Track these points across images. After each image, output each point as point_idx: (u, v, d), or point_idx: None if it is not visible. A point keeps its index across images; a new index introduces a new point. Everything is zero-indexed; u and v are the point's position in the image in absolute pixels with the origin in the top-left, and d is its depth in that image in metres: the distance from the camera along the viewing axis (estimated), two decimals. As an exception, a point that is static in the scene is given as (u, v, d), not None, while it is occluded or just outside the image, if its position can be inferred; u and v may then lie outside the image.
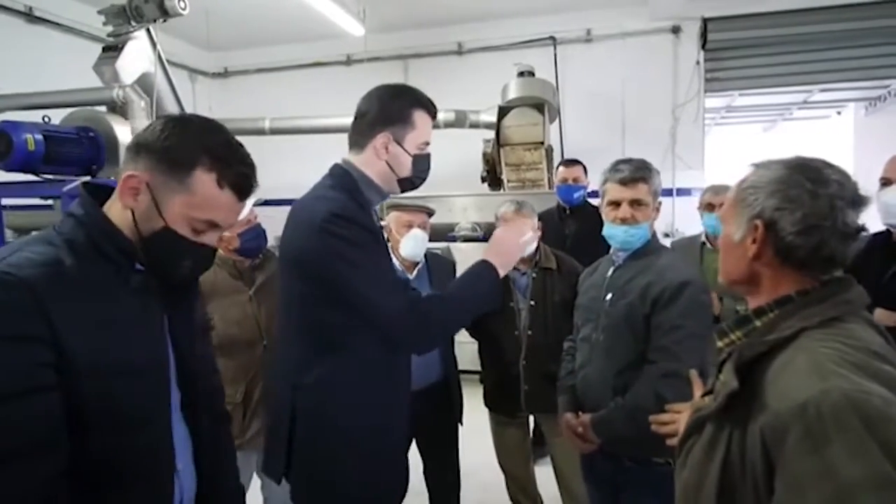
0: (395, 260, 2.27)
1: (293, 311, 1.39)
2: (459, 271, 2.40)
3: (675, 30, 5.93)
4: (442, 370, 2.23)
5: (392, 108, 1.38)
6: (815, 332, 0.83)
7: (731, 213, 0.97)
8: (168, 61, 6.57)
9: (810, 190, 0.87)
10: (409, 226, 2.22)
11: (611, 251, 1.84)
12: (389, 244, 2.30)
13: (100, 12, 3.75)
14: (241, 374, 1.98)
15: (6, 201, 3.49)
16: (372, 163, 1.40)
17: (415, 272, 2.28)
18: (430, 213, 2.31)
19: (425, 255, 2.33)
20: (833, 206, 0.86)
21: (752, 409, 0.82)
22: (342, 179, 1.39)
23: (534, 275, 2.33)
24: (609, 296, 1.73)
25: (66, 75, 3.74)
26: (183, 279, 1.06)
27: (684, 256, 1.83)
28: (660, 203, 1.76)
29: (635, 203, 1.68)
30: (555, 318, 2.29)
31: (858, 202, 0.88)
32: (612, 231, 1.74)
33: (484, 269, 1.41)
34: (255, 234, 2.01)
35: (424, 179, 1.48)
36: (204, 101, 7.13)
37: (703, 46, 5.86)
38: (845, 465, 0.69)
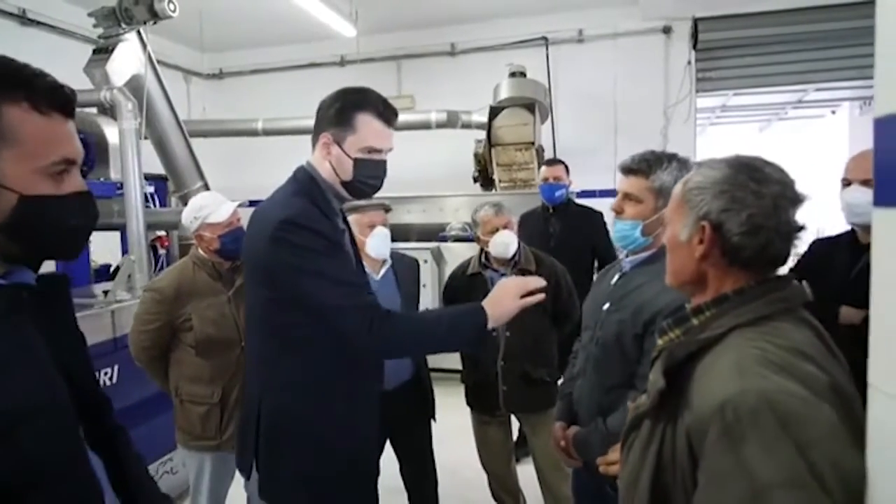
0: (364, 263, 2.29)
1: (257, 313, 1.41)
2: (450, 271, 2.49)
3: (667, 30, 5.94)
4: (413, 368, 2.26)
5: (335, 110, 1.37)
6: (746, 331, 0.84)
7: (677, 213, 0.97)
8: (162, 63, 6.60)
9: (755, 190, 0.87)
10: (372, 226, 2.23)
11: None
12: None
13: (90, 14, 3.77)
14: (219, 374, 2.00)
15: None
16: (319, 162, 1.40)
17: (381, 272, 2.29)
18: (388, 209, 2.34)
19: (391, 255, 2.36)
20: (777, 206, 0.87)
21: (680, 407, 0.83)
22: (304, 183, 1.40)
23: (512, 275, 2.35)
24: (607, 305, 1.60)
25: (60, 77, 3.73)
26: (74, 246, 0.86)
27: None
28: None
29: (626, 196, 1.54)
30: (533, 319, 2.29)
31: (798, 200, 0.90)
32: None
33: (473, 312, 1.35)
34: (235, 236, 2.03)
35: (376, 186, 1.44)
36: (198, 102, 7.16)
37: (695, 46, 5.87)
38: (760, 464, 0.69)
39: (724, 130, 10.11)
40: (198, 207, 2.05)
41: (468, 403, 2.50)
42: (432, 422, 2.38)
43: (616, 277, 1.64)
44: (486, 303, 1.36)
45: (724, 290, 0.91)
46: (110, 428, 1.01)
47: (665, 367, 0.87)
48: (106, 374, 2.49)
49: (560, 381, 2.20)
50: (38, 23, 5.26)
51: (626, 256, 1.61)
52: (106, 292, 2.71)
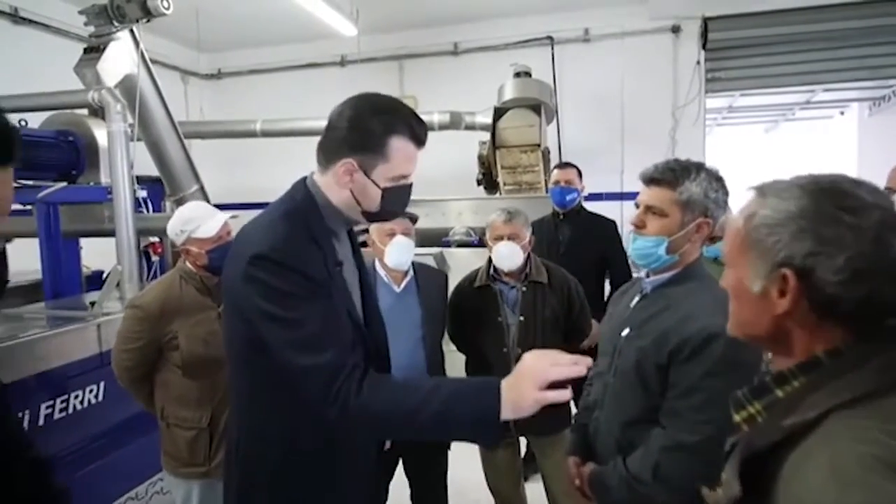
0: (381, 272, 2.15)
1: (235, 347, 1.23)
2: (453, 278, 2.31)
3: (675, 29, 5.81)
4: None
5: (362, 132, 1.13)
6: (848, 415, 0.64)
7: (741, 257, 0.76)
8: (159, 63, 6.48)
9: (851, 224, 0.67)
10: (392, 234, 2.09)
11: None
12: (375, 259, 2.18)
13: (81, 12, 3.64)
14: (207, 396, 1.87)
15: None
16: (333, 189, 1.18)
17: (402, 284, 2.16)
18: (414, 220, 2.19)
19: (414, 267, 2.21)
20: (880, 240, 0.67)
21: None
22: (301, 203, 1.19)
23: (523, 289, 2.21)
24: (626, 331, 1.43)
25: (54, 77, 3.62)
26: None
27: (722, 295, 1.39)
28: (704, 222, 1.36)
29: (649, 209, 1.38)
30: (545, 334, 2.17)
31: None
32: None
33: (484, 390, 1.04)
34: (225, 251, 1.88)
35: (400, 213, 1.27)
36: (196, 102, 7.03)
37: (704, 46, 5.74)
38: None
39: (730, 131, 9.96)
40: (185, 220, 1.92)
41: None
42: (448, 446, 2.23)
43: (636, 299, 1.47)
44: (507, 385, 1.04)
45: (814, 352, 0.72)
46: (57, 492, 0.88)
47: (742, 462, 0.70)
48: (91, 391, 2.36)
49: (572, 399, 2.07)
50: (31, 21, 5.14)
51: (648, 276, 1.45)
52: (93, 303, 2.57)
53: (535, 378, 1.03)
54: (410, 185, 1.23)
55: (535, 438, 2.33)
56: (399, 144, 1.15)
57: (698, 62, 5.76)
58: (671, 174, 1.36)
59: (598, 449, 1.50)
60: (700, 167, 1.37)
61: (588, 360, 1.06)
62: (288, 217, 1.17)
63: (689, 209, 1.34)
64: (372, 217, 1.22)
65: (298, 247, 1.12)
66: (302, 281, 1.08)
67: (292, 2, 4.82)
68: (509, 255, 2.17)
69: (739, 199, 0.87)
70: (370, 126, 1.13)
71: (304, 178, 1.23)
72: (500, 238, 2.19)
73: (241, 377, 1.24)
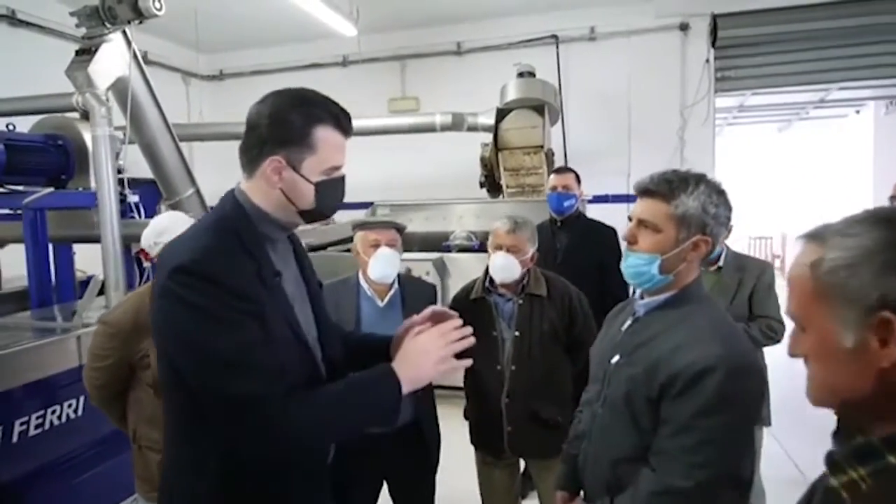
0: (363, 285, 2.05)
1: (162, 364, 1.12)
2: (453, 284, 2.19)
3: (683, 27, 5.67)
4: (412, 409, 1.99)
5: (285, 126, 1.07)
6: None
7: (817, 312, 0.67)
8: (160, 64, 6.44)
9: None
10: (377, 245, 1.98)
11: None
12: (359, 271, 2.08)
13: (72, 14, 3.57)
14: (179, 418, 1.77)
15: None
16: (263, 192, 1.10)
17: (387, 297, 2.04)
18: (400, 230, 2.07)
19: (400, 279, 2.09)
20: None
21: None
22: (230, 213, 1.10)
23: (520, 302, 2.07)
24: (616, 357, 1.32)
25: (52, 80, 3.56)
26: None
27: (721, 319, 1.26)
28: (701, 240, 1.23)
29: (641, 223, 1.26)
30: (542, 350, 2.05)
31: None
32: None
33: (383, 376, 1.07)
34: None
35: (336, 209, 1.17)
36: (198, 104, 6.98)
37: (713, 44, 5.59)
38: None
39: (742, 131, 9.76)
40: (159, 230, 1.82)
41: (472, 442, 2.24)
42: (434, 472, 2.12)
43: (628, 323, 1.35)
44: (398, 362, 1.09)
45: None
46: None
47: None
48: (70, 405, 2.28)
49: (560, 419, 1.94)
50: (29, 24, 5.09)
51: (641, 298, 1.33)
52: (74, 313, 2.49)
53: (438, 345, 1.10)
54: (343, 178, 1.15)
55: (532, 461, 2.21)
56: (325, 134, 1.09)
57: (707, 60, 5.62)
58: (666, 186, 1.23)
59: (587, 484, 1.39)
60: (700, 179, 1.24)
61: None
62: (215, 227, 1.08)
63: (685, 225, 1.21)
64: (308, 216, 1.13)
65: (223, 258, 1.02)
66: (223, 296, 0.98)
67: (290, 2, 4.74)
68: (504, 268, 2.05)
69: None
70: (291, 118, 1.07)
71: (233, 189, 1.15)
72: (499, 248, 2.07)
73: (171, 406, 1.14)
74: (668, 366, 1.15)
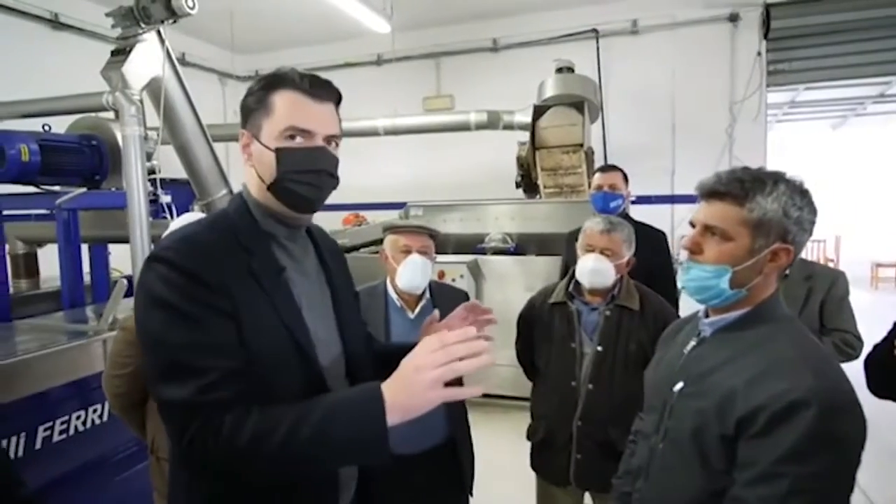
0: (391, 295, 1.90)
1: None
2: (490, 287, 1.99)
3: (733, 17, 5.39)
4: (447, 429, 1.83)
5: (248, 98, 1.06)
6: None
7: None
8: (197, 65, 6.50)
9: None
10: (407, 251, 1.82)
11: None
12: (386, 279, 1.93)
13: (108, 14, 3.58)
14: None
15: (7, 212, 3.35)
16: (250, 177, 1.05)
17: (417, 309, 1.87)
18: (434, 236, 1.90)
19: (431, 288, 1.93)
20: None
21: None
22: (232, 211, 1.04)
23: (607, 312, 1.84)
24: (680, 385, 1.13)
25: (93, 82, 3.58)
26: None
27: (809, 344, 1.06)
28: (782, 248, 1.04)
29: (708, 230, 1.08)
30: (626, 371, 1.80)
31: None
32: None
33: (365, 401, 0.84)
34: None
35: (314, 185, 1.01)
36: (234, 104, 7.02)
37: (766, 35, 5.31)
38: None
39: (792, 128, 9.30)
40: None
41: (532, 466, 2.01)
42: (469, 497, 1.93)
43: (692, 344, 1.16)
44: (390, 381, 0.85)
45: None
46: None
47: None
48: (95, 411, 2.22)
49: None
50: (69, 26, 5.18)
51: (707, 316, 1.14)
52: (101, 316, 2.44)
53: (438, 365, 0.83)
54: (320, 149, 1.02)
55: (596, 494, 1.96)
56: (283, 96, 1.01)
57: (759, 53, 5.34)
58: (738, 186, 1.04)
59: None
60: (779, 178, 1.05)
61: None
62: (209, 221, 1.03)
63: (762, 231, 1.03)
64: (278, 192, 1.01)
65: (203, 248, 0.94)
66: (191, 288, 0.89)
67: (322, 0, 4.68)
68: (596, 272, 1.81)
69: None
70: (253, 89, 1.05)
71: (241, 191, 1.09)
72: (591, 249, 1.85)
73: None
74: (747, 399, 0.96)
